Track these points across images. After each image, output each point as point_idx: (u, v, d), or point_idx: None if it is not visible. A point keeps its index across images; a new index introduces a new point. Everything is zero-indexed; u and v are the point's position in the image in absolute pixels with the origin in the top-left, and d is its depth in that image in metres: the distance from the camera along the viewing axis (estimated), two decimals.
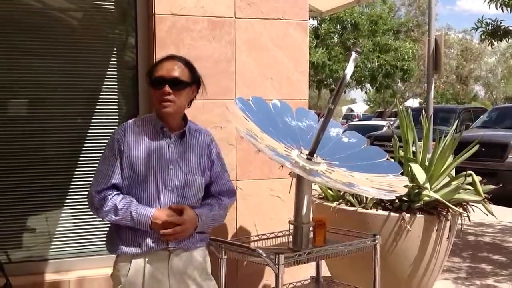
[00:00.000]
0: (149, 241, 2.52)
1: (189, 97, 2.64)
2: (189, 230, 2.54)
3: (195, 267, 2.63)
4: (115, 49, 3.86)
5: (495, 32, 8.39)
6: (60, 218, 3.77)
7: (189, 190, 2.62)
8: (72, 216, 3.79)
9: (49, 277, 3.59)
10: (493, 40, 8.48)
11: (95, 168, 3.72)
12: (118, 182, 2.53)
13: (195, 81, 2.64)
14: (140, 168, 2.53)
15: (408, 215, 3.92)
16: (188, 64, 2.62)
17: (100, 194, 2.51)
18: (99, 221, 3.80)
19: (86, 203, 2.60)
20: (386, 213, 3.96)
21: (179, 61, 2.61)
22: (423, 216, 3.97)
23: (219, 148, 2.83)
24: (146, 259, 2.54)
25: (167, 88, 2.51)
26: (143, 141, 2.56)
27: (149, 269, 2.53)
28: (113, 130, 3.75)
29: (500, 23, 8.40)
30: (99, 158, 3.71)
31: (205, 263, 2.70)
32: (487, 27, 8.46)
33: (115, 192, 2.53)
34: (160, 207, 2.54)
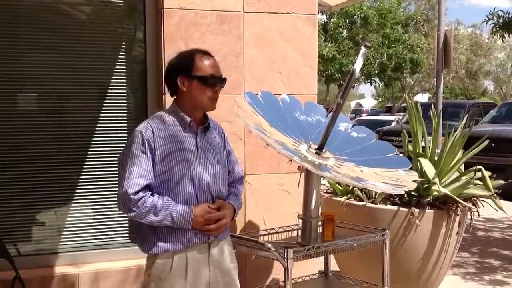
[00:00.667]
0: (191, 236, 2.53)
1: None
2: (229, 222, 2.63)
3: (228, 255, 2.70)
4: (123, 43, 3.87)
5: (507, 25, 8.30)
6: (74, 211, 3.79)
7: (219, 182, 2.65)
8: (85, 209, 3.81)
9: (61, 270, 3.61)
10: (504, 33, 8.40)
11: (105, 161, 3.78)
12: (151, 182, 2.48)
13: None
14: (175, 166, 2.51)
15: (417, 210, 3.91)
16: None
17: (136, 195, 2.42)
18: (111, 214, 3.83)
19: (116, 204, 2.51)
20: (395, 208, 3.95)
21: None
22: (432, 211, 3.96)
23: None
24: (188, 254, 2.54)
25: (220, 88, 2.61)
26: (173, 139, 2.54)
27: (192, 263, 2.55)
28: (125, 126, 3.81)
29: None
30: (109, 151, 3.79)
31: (233, 251, 2.79)
32: (499, 20, 8.36)
33: (149, 193, 2.47)
34: (197, 203, 2.54)
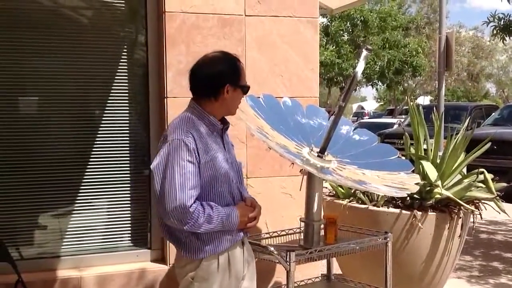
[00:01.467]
0: (232, 235, 2.58)
1: None
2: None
3: (250, 249, 2.79)
4: (125, 47, 3.88)
5: (507, 27, 8.30)
6: (76, 215, 3.79)
7: (242, 179, 2.75)
8: (87, 212, 3.81)
9: (64, 273, 3.61)
10: (504, 36, 8.40)
11: (107, 164, 3.78)
12: (199, 193, 2.48)
13: None
14: (216, 171, 2.51)
15: (419, 212, 3.90)
16: None
17: (191, 208, 2.40)
18: (114, 218, 3.83)
19: (170, 218, 2.41)
20: (397, 210, 3.94)
21: None
22: (434, 214, 3.95)
23: None
24: (229, 253, 2.58)
25: None
26: (210, 145, 2.53)
27: (233, 261, 2.60)
28: (127, 130, 3.81)
29: None
30: (111, 154, 3.79)
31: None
32: (499, 22, 8.37)
33: (198, 203, 2.46)
34: (234, 203, 2.60)
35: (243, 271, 2.65)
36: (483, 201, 4.21)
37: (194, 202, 2.42)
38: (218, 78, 2.54)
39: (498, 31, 8.41)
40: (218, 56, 2.61)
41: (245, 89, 2.64)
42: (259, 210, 2.67)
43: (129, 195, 3.86)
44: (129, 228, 3.87)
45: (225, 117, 2.68)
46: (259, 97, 3.36)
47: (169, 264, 3.70)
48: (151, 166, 2.51)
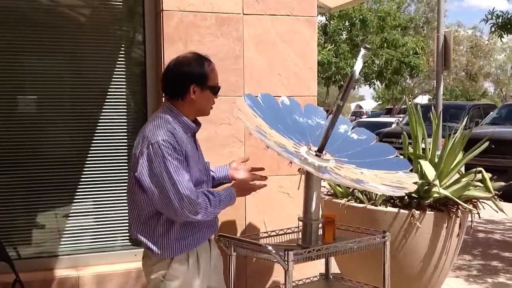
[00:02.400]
0: (206, 231, 2.67)
1: None
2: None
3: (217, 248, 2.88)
4: (123, 46, 3.87)
5: (506, 25, 8.32)
6: (74, 214, 3.79)
7: (210, 179, 2.84)
8: (85, 212, 3.81)
9: (62, 272, 3.61)
10: (502, 33, 8.42)
11: (105, 163, 3.77)
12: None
13: None
14: (195, 171, 2.60)
15: (417, 212, 3.90)
16: None
17: (199, 198, 2.50)
18: (112, 217, 3.83)
19: (183, 216, 2.49)
20: (395, 210, 3.94)
21: None
22: (432, 213, 3.95)
23: None
24: (197, 249, 2.65)
25: None
26: (187, 144, 2.59)
27: (201, 257, 2.67)
28: (125, 129, 3.81)
29: (511, 16, 8.32)
30: (109, 153, 3.78)
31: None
32: (498, 20, 8.39)
33: (200, 191, 2.56)
34: None
35: (209, 265, 2.73)
36: (481, 200, 4.20)
37: (197, 193, 2.51)
38: (183, 79, 2.59)
39: (496, 28, 8.42)
40: (187, 57, 2.65)
41: (214, 89, 2.66)
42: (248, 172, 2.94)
43: (126, 195, 3.84)
44: (126, 228, 3.86)
45: (198, 118, 2.74)
46: (257, 96, 3.35)
47: None
48: (136, 173, 2.51)
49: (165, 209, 2.49)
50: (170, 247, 2.57)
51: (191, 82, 2.58)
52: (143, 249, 3.45)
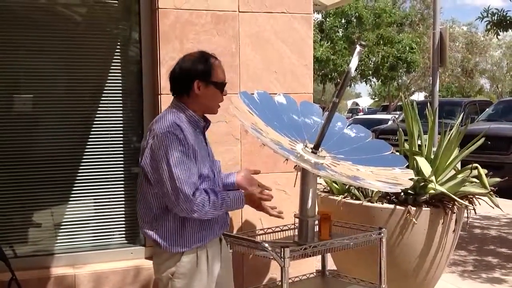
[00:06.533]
0: (211, 231, 2.63)
1: None
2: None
3: (226, 245, 2.86)
4: (118, 44, 3.86)
5: (501, 22, 8.33)
6: (70, 212, 3.79)
7: (219, 178, 2.81)
8: (82, 210, 3.80)
9: (58, 271, 3.60)
10: (498, 31, 8.43)
11: (102, 161, 3.77)
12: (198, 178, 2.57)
13: None
14: (202, 166, 2.58)
15: (414, 208, 3.91)
16: None
17: (195, 196, 2.47)
18: (109, 215, 3.83)
19: (180, 211, 2.49)
20: (391, 206, 3.95)
21: None
22: (428, 209, 3.96)
23: None
24: (208, 249, 2.63)
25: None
26: (196, 139, 2.60)
27: (211, 258, 2.65)
28: (121, 127, 3.80)
29: (506, 13, 8.33)
30: (105, 151, 3.78)
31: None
32: (493, 17, 8.40)
33: (202, 189, 2.53)
34: None
35: (219, 270, 2.70)
36: (477, 196, 4.22)
37: (197, 189, 2.49)
38: (187, 75, 2.61)
39: (492, 26, 8.43)
40: (192, 55, 2.69)
41: (218, 85, 2.65)
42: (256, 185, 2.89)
43: (123, 192, 3.85)
44: (123, 226, 3.86)
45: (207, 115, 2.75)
46: (253, 94, 3.36)
47: None
48: (141, 163, 2.56)
49: (166, 200, 2.52)
50: (180, 241, 2.56)
51: (195, 77, 2.60)
52: (139, 247, 3.47)
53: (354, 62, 2.98)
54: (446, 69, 31.61)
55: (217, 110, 2.74)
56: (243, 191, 2.75)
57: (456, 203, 4.02)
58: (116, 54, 3.84)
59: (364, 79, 31.13)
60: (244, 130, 3.77)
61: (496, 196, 4.23)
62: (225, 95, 2.72)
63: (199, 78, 2.60)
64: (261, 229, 3.50)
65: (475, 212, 4.21)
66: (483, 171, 4.16)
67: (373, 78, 31.09)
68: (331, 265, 4.14)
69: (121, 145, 3.84)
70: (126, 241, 3.87)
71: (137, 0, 3.76)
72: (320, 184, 4.41)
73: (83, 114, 3.81)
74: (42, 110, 3.72)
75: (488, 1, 8.82)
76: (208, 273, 2.62)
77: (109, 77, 3.81)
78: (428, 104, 5.78)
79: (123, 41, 3.90)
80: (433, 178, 4.02)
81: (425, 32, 29.59)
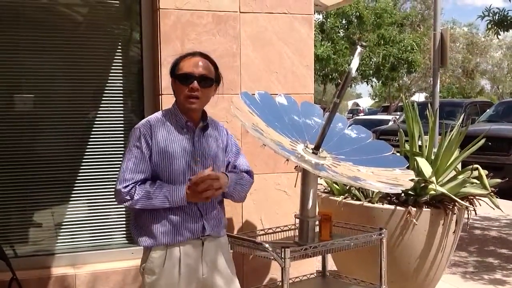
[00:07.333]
0: (184, 231, 2.58)
1: (212, 93, 2.69)
2: (223, 186, 2.59)
3: (223, 254, 2.72)
4: (119, 44, 3.87)
5: (502, 22, 8.32)
6: (71, 212, 3.79)
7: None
8: (82, 210, 3.80)
9: (59, 271, 3.61)
10: (499, 30, 8.42)
11: (102, 162, 3.78)
12: (148, 177, 2.56)
13: (218, 78, 2.71)
14: (172, 163, 2.56)
15: (414, 209, 3.91)
16: (213, 62, 2.68)
17: (126, 188, 2.51)
18: (109, 215, 3.83)
19: (114, 204, 2.56)
20: (392, 207, 3.95)
21: (206, 58, 2.66)
22: (429, 210, 3.96)
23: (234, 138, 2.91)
24: (181, 248, 2.58)
25: (195, 84, 2.56)
26: (170, 137, 2.58)
27: (185, 258, 2.59)
28: (122, 127, 3.81)
29: (507, 13, 8.33)
30: (106, 151, 3.79)
31: (230, 253, 2.81)
32: (494, 17, 8.40)
33: (140, 182, 2.54)
34: None
35: (201, 272, 2.62)
36: (477, 197, 4.22)
37: (129, 185, 2.51)
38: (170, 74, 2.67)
39: (493, 25, 8.43)
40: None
41: (179, 77, 2.59)
42: (215, 175, 2.53)
43: None
44: (124, 226, 3.86)
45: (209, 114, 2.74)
46: (254, 94, 3.36)
47: None
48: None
49: None
50: (149, 236, 2.57)
51: (170, 75, 2.66)
52: (139, 248, 3.46)
53: (355, 63, 2.98)
54: (447, 70, 31.63)
55: (188, 106, 2.58)
56: (185, 185, 2.55)
57: (456, 204, 4.02)
58: (117, 54, 3.84)
59: (365, 80, 31.13)
60: (245, 131, 3.77)
61: (497, 197, 4.23)
62: (188, 85, 2.55)
63: (171, 75, 2.65)
64: (261, 230, 3.50)
65: (476, 213, 4.21)
66: (483, 172, 4.16)
67: (374, 78, 31.08)
68: (331, 265, 4.15)
69: (122, 146, 3.84)
70: (126, 241, 3.88)
71: (138, 0, 3.77)
72: (321, 184, 4.41)
73: (83, 114, 3.81)
74: (43, 110, 3.73)
75: (488, 2, 8.82)
76: (180, 274, 2.57)
77: (109, 78, 3.81)
78: (429, 105, 5.78)
79: (124, 41, 3.90)
80: (433, 179, 4.02)
81: (425, 33, 29.57)
